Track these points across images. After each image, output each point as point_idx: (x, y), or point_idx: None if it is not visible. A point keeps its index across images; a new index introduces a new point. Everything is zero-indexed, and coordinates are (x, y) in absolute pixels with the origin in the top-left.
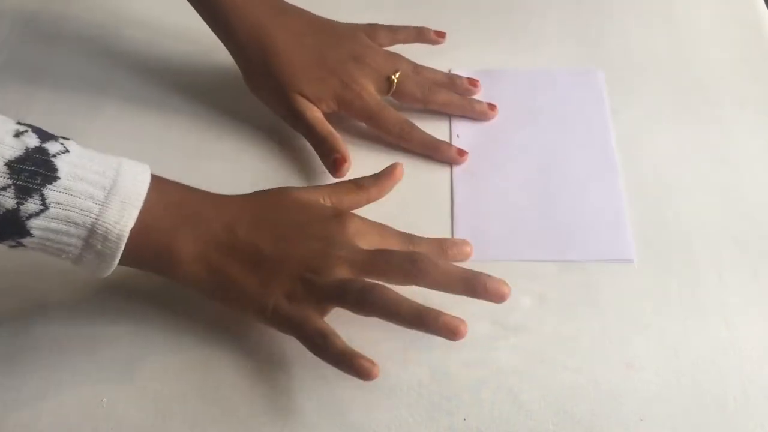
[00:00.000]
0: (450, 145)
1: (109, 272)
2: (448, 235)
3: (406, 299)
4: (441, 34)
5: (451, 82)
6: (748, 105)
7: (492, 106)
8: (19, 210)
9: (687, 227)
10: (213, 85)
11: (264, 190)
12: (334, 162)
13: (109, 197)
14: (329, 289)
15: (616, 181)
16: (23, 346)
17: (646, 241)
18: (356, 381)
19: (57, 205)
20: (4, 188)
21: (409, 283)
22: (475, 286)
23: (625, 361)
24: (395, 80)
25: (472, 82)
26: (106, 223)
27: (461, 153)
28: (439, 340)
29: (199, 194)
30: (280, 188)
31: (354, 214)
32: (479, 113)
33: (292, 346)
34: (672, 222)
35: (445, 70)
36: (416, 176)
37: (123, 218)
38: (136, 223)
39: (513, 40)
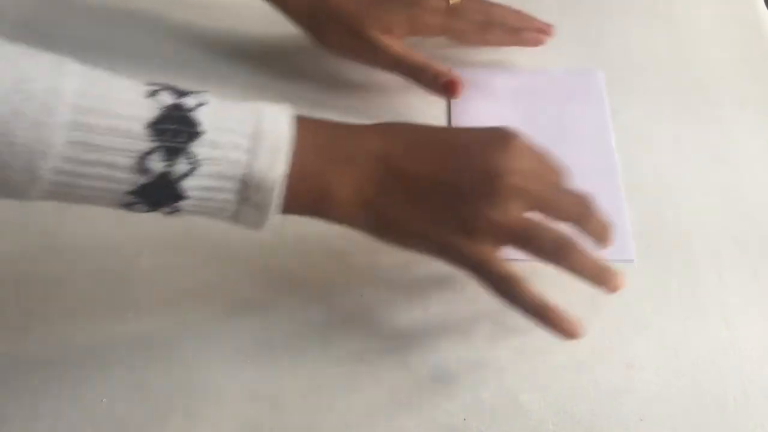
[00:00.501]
0: (531, 31)
1: (269, 222)
2: None
3: (597, 259)
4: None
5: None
6: (748, 105)
7: (547, 27)
8: (170, 173)
9: (687, 227)
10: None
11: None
12: (447, 85)
13: (255, 145)
14: (512, 229)
15: (616, 181)
16: (23, 346)
17: (646, 241)
18: (354, 381)
19: (206, 161)
20: (150, 152)
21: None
22: (607, 281)
23: (625, 361)
24: None
25: (546, 28)
26: (258, 172)
27: (546, 29)
28: (439, 341)
29: (346, 129)
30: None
31: (517, 133)
32: (533, 40)
33: (292, 346)
34: (672, 222)
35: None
36: None
37: (274, 164)
38: (288, 168)
39: None
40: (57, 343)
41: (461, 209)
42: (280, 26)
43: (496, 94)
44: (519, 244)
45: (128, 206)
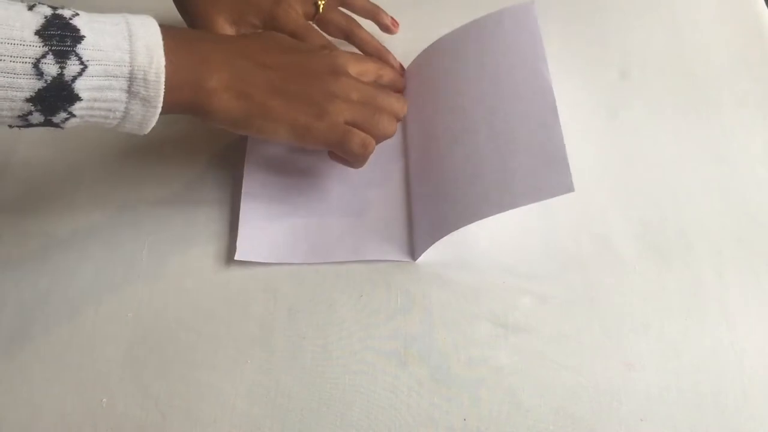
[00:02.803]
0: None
1: (154, 121)
2: None
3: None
4: (395, 24)
5: (374, 13)
6: (748, 105)
7: (395, 22)
8: (63, 75)
9: (687, 227)
10: None
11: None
12: None
13: (133, 45)
14: (357, 100)
15: (553, 112)
16: (23, 346)
17: (646, 241)
18: (354, 381)
19: (94, 62)
20: (43, 56)
21: None
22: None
23: (625, 361)
24: (321, 5)
25: (394, 22)
26: (141, 66)
27: (394, 24)
28: (439, 341)
29: (207, 32)
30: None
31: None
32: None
33: (292, 346)
34: (672, 222)
35: None
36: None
37: (154, 59)
38: (165, 62)
39: None
40: (57, 343)
41: (312, 95)
42: None
43: (446, 61)
44: (363, 113)
45: (26, 117)
